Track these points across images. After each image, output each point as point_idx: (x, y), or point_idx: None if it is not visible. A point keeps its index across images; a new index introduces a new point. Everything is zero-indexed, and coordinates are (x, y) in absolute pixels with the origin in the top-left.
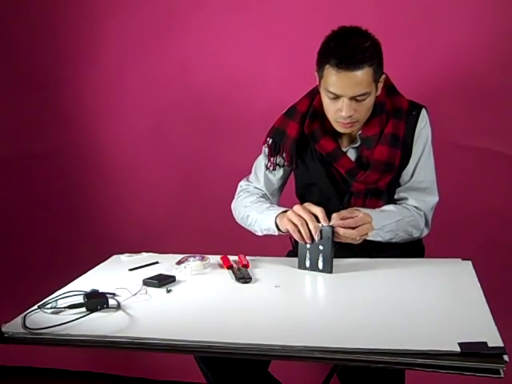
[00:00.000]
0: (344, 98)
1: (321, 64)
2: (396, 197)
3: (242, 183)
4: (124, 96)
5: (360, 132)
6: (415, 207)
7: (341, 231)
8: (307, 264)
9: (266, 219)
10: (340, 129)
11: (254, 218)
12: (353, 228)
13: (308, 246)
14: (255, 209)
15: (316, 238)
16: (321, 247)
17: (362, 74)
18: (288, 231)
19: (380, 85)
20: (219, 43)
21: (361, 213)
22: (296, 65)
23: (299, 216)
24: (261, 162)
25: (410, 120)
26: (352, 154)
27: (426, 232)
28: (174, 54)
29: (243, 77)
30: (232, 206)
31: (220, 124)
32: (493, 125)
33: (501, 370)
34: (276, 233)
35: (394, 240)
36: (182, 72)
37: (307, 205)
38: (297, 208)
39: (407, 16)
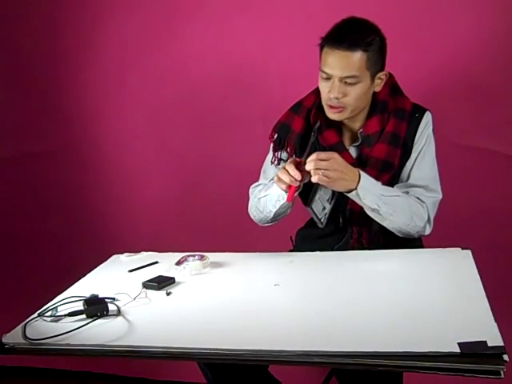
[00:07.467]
0: (334, 78)
1: (321, 46)
2: None
3: (251, 187)
4: (124, 96)
5: (361, 130)
6: (417, 197)
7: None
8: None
9: (271, 190)
10: (330, 114)
11: (264, 197)
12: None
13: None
14: (261, 191)
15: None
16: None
17: (355, 57)
18: (285, 187)
19: (379, 81)
20: (219, 43)
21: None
22: (296, 64)
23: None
24: (268, 160)
25: (413, 121)
26: (353, 153)
27: (428, 229)
28: (174, 54)
29: (244, 76)
30: (248, 211)
31: (220, 124)
32: (493, 125)
33: (501, 372)
34: (285, 196)
35: (392, 217)
36: (182, 72)
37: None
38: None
39: (407, 16)
